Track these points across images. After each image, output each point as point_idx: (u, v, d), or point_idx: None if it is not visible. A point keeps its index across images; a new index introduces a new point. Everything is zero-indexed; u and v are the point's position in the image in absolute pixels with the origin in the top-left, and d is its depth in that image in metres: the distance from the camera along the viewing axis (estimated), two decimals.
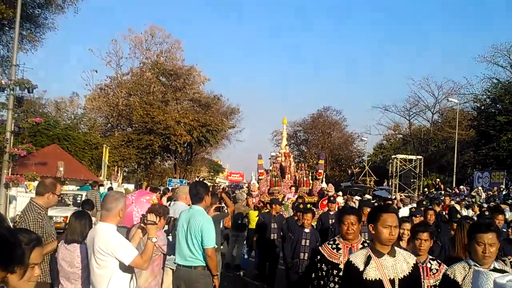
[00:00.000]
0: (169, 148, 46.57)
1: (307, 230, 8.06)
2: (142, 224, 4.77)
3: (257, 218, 11.20)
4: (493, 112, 36.28)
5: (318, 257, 4.80)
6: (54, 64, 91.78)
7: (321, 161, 15.79)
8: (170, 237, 6.12)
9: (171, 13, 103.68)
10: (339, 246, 4.79)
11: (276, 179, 14.13)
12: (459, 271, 3.71)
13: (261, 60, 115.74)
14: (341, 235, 4.91)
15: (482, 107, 39.02)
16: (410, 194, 31.30)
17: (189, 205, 6.82)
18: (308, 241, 8.01)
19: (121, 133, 46.50)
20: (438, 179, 37.10)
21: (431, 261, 4.62)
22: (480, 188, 28.13)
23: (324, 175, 15.29)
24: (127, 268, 4.43)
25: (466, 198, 23.49)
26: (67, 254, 4.97)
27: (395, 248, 3.81)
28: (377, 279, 3.61)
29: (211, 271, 5.56)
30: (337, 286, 4.49)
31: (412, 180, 38.75)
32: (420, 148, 48.46)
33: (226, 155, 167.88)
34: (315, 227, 9.59)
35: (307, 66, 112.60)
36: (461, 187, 31.09)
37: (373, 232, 3.78)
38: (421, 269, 4.25)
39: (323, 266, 4.69)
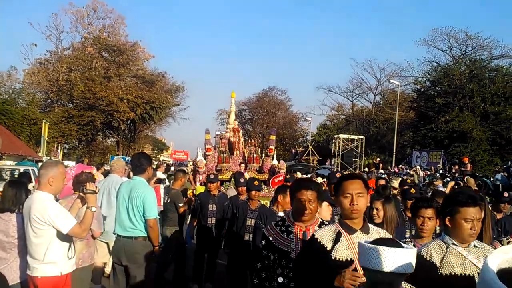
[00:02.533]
0: (111, 125, 45.62)
1: (282, 214, 5.78)
2: (81, 193, 4.68)
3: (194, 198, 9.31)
4: (432, 94, 37.38)
5: (264, 242, 3.85)
6: None
7: (273, 137, 14.86)
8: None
9: None
10: (290, 228, 3.81)
11: (224, 155, 13.31)
12: (435, 251, 3.19)
13: (206, 38, 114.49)
14: (292, 215, 3.91)
15: (422, 89, 40.09)
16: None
17: (129, 177, 6.74)
18: None
19: (61, 108, 45.13)
20: (378, 159, 38.11)
21: None
22: (418, 167, 29.11)
23: (275, 152, 14.50)
24: (65, 237, 4.38)
25: (405, 177, 24.27)
26: (2, 224, 4.79)
27: (369, 225, 3.20)
28: (349, 259, 2.96)
29: (152, 242, 5.53)
30: (286, 280, 3.65)
31: (353, 160, 39.83)
32: (362, 129, 49.55)
33: (170, 133, 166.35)
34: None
35: (252, 45, 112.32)
36: (400, 166, 32.08)
37: (337, 205, 3.19)
38: None
39: (270, 254, 3.76)
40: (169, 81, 52.70)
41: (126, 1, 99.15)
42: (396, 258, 2.35)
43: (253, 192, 7.30)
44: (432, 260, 3.13)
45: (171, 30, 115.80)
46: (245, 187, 7.72)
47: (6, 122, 33.73)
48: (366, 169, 35.23)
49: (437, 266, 3.09)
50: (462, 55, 39.39)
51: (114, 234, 5.74)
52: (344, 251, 2.98)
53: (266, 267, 3.73)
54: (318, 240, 3.09)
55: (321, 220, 3.96)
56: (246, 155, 14.26)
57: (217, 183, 8.97)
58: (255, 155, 13.72)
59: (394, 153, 36.49)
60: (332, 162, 39.42)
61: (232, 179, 12.07)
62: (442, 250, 3.18)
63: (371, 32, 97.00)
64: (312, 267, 3.06)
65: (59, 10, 49.22)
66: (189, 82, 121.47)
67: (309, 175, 26.57)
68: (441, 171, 26.74)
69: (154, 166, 15.10)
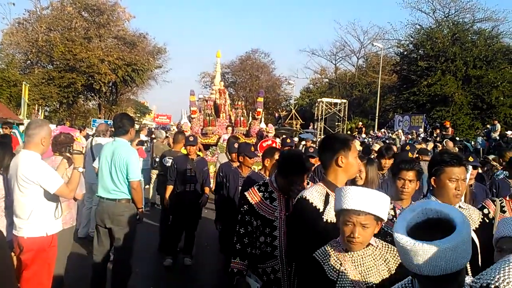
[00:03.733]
0: (93, 87, 44.93)
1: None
2: (68, 154, 4.62)
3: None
4: (415, 57, 37.28)
5: (246, 207, 3.66)
6: None
7: (260, 99, 14.12)
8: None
9: None
10: (273, 195, 3.65)
11: (210, 118, 12.82)
12: None
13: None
14: (276, 183, 3.71)
15: (405, 53, 39.99)
16: None
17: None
18: None
19: (41, 70, 44.22)
20: (361, 123, 38.28)
21: None
22: (400, 131, 29.31)
23: (263, 115, 13.83)
24: (51, 197, 4.35)
25: (387, 141, 24.43)
26: None
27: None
28: None
29: (136, 204, 5.51)
30: (269, 249, 3.52)
31: (336, 124, 39.83)
32: (345, 93, 49.59)
33: (152, 97, 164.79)
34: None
35: (234, 7, 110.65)
36: (382, 130, 32.27)
37: (342, 164, 3.07)
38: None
39: (252, 220, 3.61)
40: (151, 43, 51.91)
41: None
42: (378, 200, 2.47)
43: (249, 159, 6.63)
44: None
45: None
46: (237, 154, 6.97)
47: None
48: (349, 133, 35.36)
49: None
50: (445, 18, 39.23)
51: (97, 196, 5.68)
52: (333, 213, 2.79)
53: (249, 232, 3.60)
54: (310, 201, 2.98)
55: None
56: (232, 118, 13.85)
57: (197, 147, 8.29)
58: (242, 118, 13.21)
59: (376, 117, 36.64)
60: (315, 126, 39.46)
61: (219, 143, 11.88)
62: None
63: None
64: (305, 229, 2.94)
65: None
66: (171, 44, 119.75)
67: (292, 139, 26.64)
68: (422, 135, 26.97)
69: (137, 129, 14.99)
